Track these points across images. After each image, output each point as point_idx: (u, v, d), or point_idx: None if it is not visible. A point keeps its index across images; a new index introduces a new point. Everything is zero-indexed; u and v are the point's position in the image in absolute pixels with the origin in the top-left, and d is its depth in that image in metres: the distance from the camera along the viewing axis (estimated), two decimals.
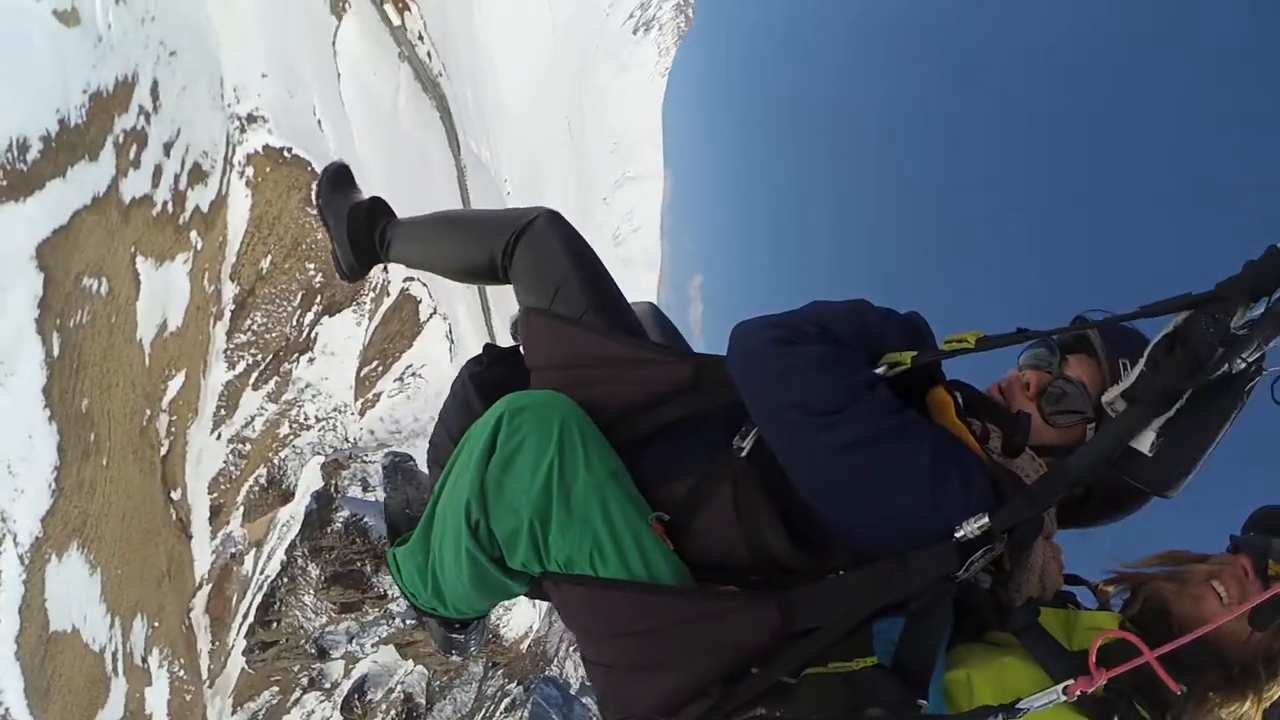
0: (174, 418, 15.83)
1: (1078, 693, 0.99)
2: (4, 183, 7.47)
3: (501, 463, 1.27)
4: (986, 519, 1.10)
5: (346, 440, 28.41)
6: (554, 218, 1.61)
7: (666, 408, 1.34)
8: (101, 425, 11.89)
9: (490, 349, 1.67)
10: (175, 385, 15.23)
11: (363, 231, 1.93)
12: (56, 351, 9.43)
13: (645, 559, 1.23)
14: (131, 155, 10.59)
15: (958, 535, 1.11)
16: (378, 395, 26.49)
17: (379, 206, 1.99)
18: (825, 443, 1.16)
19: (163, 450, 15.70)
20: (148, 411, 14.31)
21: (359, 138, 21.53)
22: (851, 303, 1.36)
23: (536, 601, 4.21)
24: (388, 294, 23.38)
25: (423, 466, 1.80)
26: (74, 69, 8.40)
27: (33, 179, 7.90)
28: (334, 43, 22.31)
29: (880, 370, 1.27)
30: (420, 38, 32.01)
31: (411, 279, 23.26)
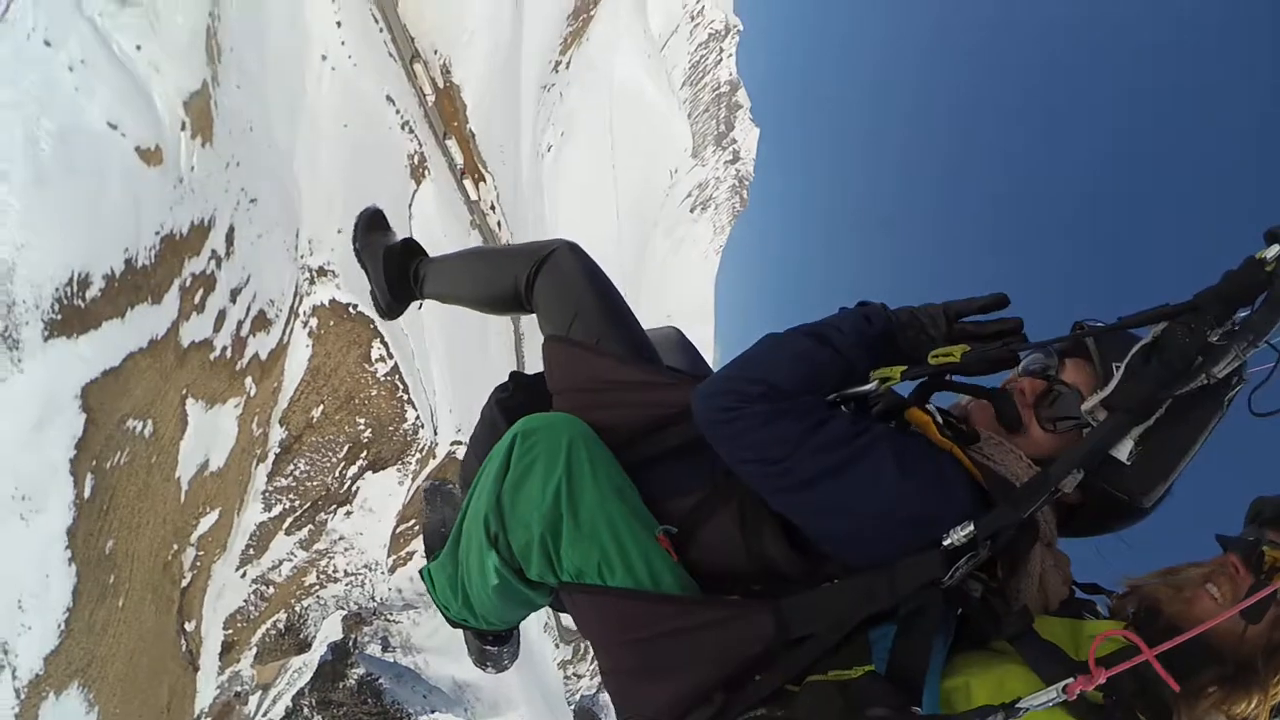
0: (201, 552, 15.59)
1: (1078, 691, 0.97)
2: (58, 317, 7.43)
3: (515, 480, 1.35)
4: (972, 527, 1.10)
5: (373, 598, 27.61)
6: (572, 248, 1.69)
7: (675, 429, 1.40)
8: (124, 567, 11.67)
9: (515, 375, 1.75)
10: (208, 522, 15.10)
11: (398, 271, 2.04)
12: (88, 493, 9.35)
13: (649, 569, 1.29)
14: (197, 299, 10.83)
15: (945, 543, 1.11)
16: (410, 554, 25.96)
17: (412, 247, 2.09)
18: (786, 486, 1.22)
19: (184, 582, 15.35)
20: (175, 546, 14.12)
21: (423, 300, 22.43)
22: (803, 342, 1.34)
23: None
24: (434, 456, 23.49)
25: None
26: (149, 209, 8.34)
27: (89, 317, 7.84)
28: (410, 205, 23.91)
29: (870, 386, 1.31)
30: (492, 207, 34.42)
31: (459, 443, 23.41)
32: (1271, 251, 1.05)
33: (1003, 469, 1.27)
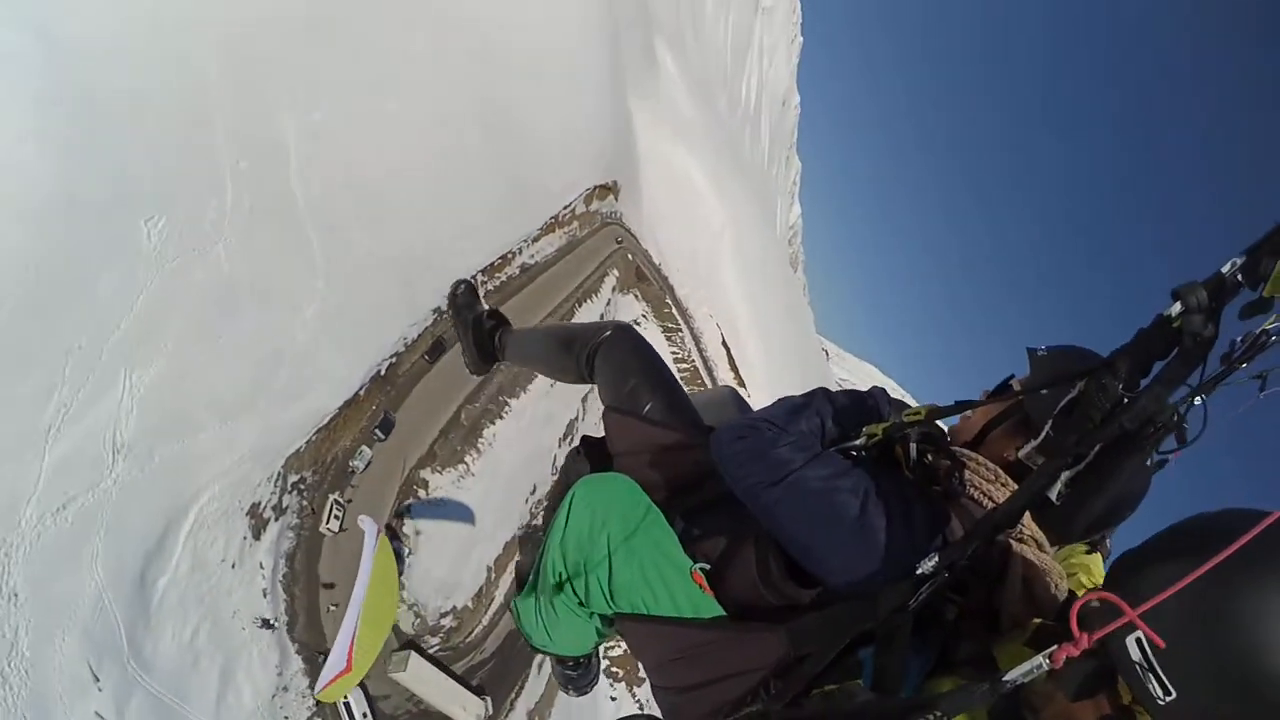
0: None
1: (1063, 658, 1.02)
2: None
3: (574, 532, 1.63)
4: (938, 558, 1.23)
5: None
6: (625, 329, 1.99)
7: (710, 483, 1.61)
8: None
9: (585, 439, 2.00)
10: None
11: (484, 337, 2.47)
12: None
13: (683, 600, 1.51)
14: None
15: (919, 571, 1.24)
16: None
17: (497, 316, 2.53)
18: (776, 507, 1.41)
19: None
20: None
21: None
22: (798, 400, 1.60)
23: None
24: None
25: None
26: None
27: None
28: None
29: (860, 441, 1.51)
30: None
31: None
32: (1175, 309, 1.13)
33: (977, 493, 1.44)
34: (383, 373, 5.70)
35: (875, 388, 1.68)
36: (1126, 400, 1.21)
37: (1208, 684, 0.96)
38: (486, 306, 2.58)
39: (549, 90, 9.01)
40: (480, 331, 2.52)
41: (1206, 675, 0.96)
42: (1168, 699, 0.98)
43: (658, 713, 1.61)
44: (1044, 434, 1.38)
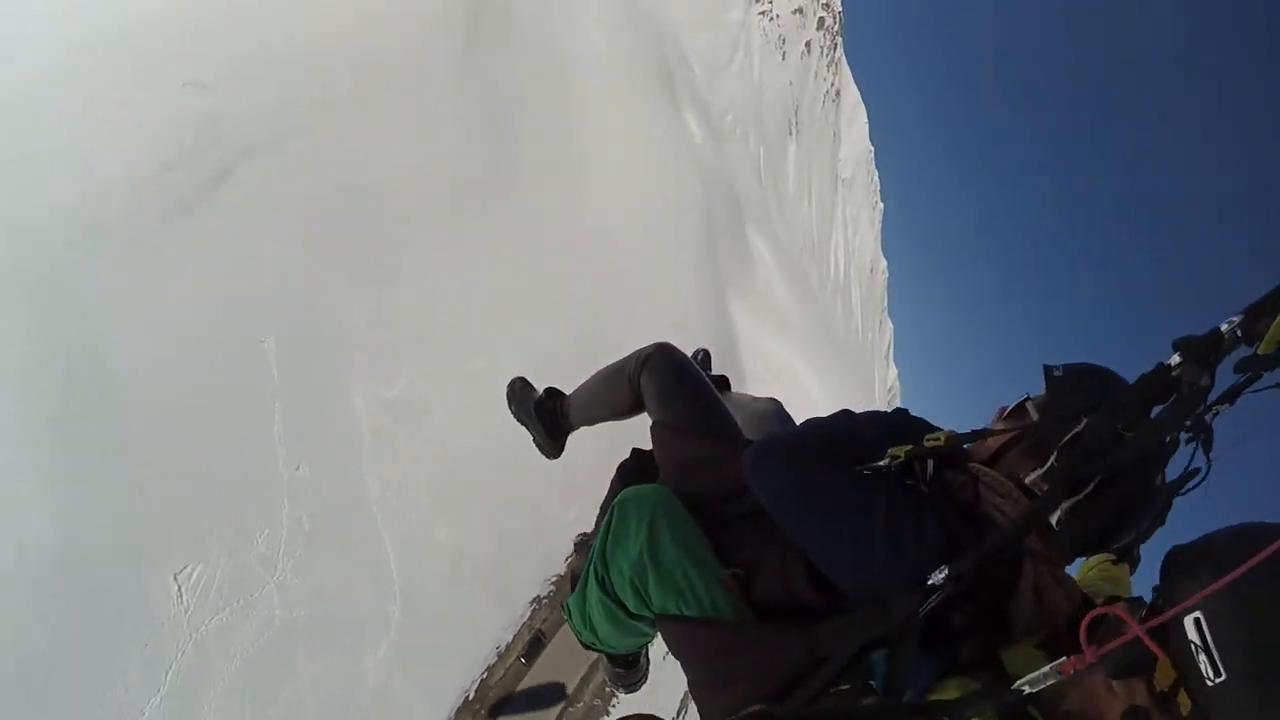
0: None
1: (1071, 670, 1.05)
2: None
3: (614, 539, 1.73)
4: (947, 570, 1.28)
5: None
6: (667, 348, 2.07)
7: (746, 495, 1.65)
8: None
9: (636, 451, 2.13)
10: None
11: (547, 415, 2.49)
12: None
13: (714, 603, 1.59)
14: None
15: (929, 582, 1.28)
16: None
17: (552, 392, 2.55)
18: (799, 518, 1.50)
19: None
20: None
21: None
22: (825, 420, 1.74)
23: None
24: None
25: None
26: None
27: None
28: None
29: (883, 462, 1.55)
30: None
31: None
32: (1175, 359, 1.20)
33: (990, 508, 1.47)
34: (471, 696, 4.64)
35: (898, 408, 1.79)
36: (1125, 439, 1.28)
37: (1262, 666, 0.96)
38: (540, 390, 2.64)
39: (649, 314, 8.45)
40: (543, 412, 2.58)
41: (1261, 656, 0.97)
42: (1218, 680, 0.97)
43: (660, 712, 1.67)
44: (1049, 464, 1.44)
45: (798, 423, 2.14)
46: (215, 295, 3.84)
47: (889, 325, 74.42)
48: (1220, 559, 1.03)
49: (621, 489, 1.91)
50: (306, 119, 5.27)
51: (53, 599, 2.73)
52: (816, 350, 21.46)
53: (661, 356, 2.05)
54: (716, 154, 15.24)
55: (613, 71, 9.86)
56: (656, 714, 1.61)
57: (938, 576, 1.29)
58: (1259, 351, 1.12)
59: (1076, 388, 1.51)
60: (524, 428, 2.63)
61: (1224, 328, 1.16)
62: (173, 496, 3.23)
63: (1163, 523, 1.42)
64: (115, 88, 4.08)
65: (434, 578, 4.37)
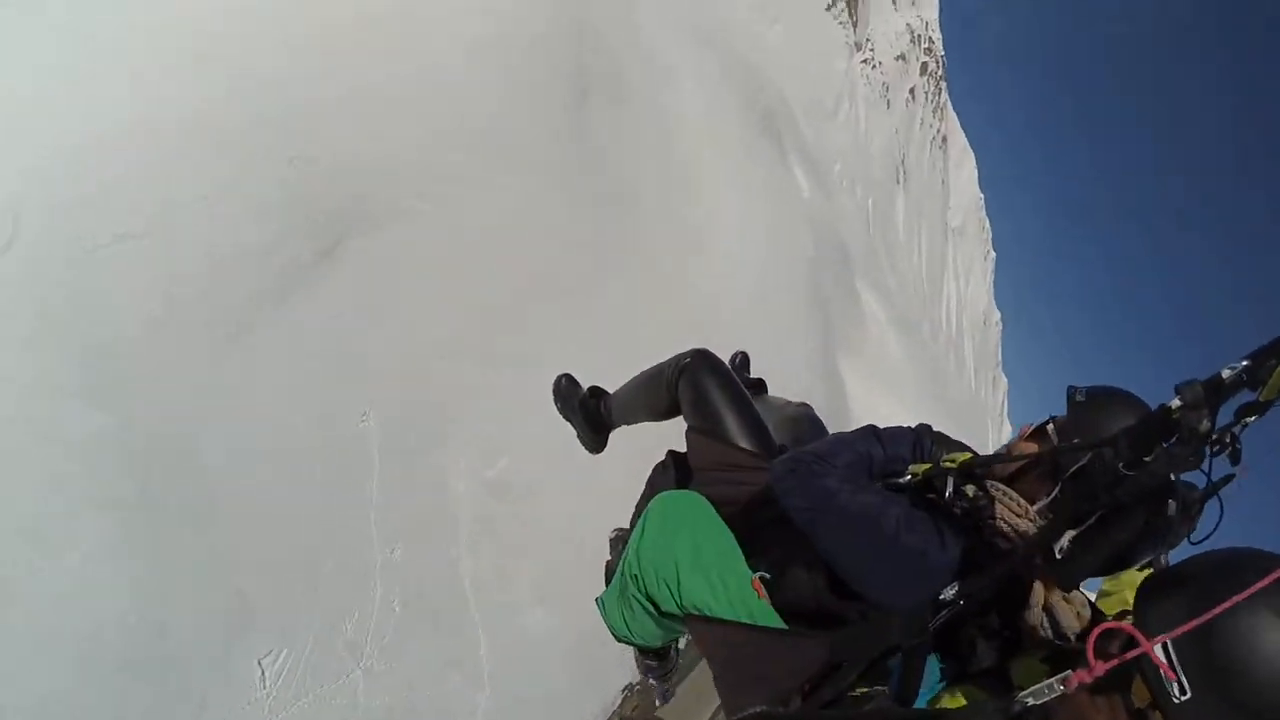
0: None
1: (1076, 683, 1.07)
2: None
3: (649, 540, 1.81)
4: (958, 586, 1.36)
5: None
6: (704, 354, 2.14)
7: (775, 502, 1.69)
8: None
9: (671, 453, 2.23)
10: None
11: (592, 412, 2.67)
12: None
13: (742, 605, 1.66)
14: None
15: (941, 597, 1.36)
16: None
17: (596, 392, 2.71)
18: (823, 530, 1.58)
19: None
20: None
21: None
22: (848, 436, 1.76)
23: None
24: None
25: None
26: None
27: None
28: None
29: (904, 480, 1.66)
30: None
31: None
32: (1175, 403, 1.22)
33: (1006, 526, 1.50)
34: None
35: (921, 425, 1.81)
36: (1123, 477, 1.30)
37: (1220, 690, 1.02)
38: (584, 389, 2.68)
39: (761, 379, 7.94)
40: (587, 409, 2.64)
41: (1218, 680, 1.03)
42: (1184, 698, 1.04)
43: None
44: (1053, 494, 1.48)
45: (829, 429, 2.32)
46: (314, 370, 3.74)
47: (1003, 381, 71.02)
48: (1193, 591, 1.07)
49: (657, 489, 2.06)
50: (412, 193, 5.17)
51: (132, 681, 2.60)
52: (928, 409, 20.51)
53: (699, 363, 2.11)
54: (825, 207, 14.80)
55: (721, 130, 9.65)
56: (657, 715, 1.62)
57: (949, 592, 1.35)
58: (1260, 398, 1.16)
59: (1096, 414, 1.53)
60: (569, 424, 2.79)
61: (1225, 373, 1.18)
62: (260, 577, 3.09)
63: (1194, 529, 1.38)
64: (220, 164, 4.06)
65: (524, 664, 4.05)
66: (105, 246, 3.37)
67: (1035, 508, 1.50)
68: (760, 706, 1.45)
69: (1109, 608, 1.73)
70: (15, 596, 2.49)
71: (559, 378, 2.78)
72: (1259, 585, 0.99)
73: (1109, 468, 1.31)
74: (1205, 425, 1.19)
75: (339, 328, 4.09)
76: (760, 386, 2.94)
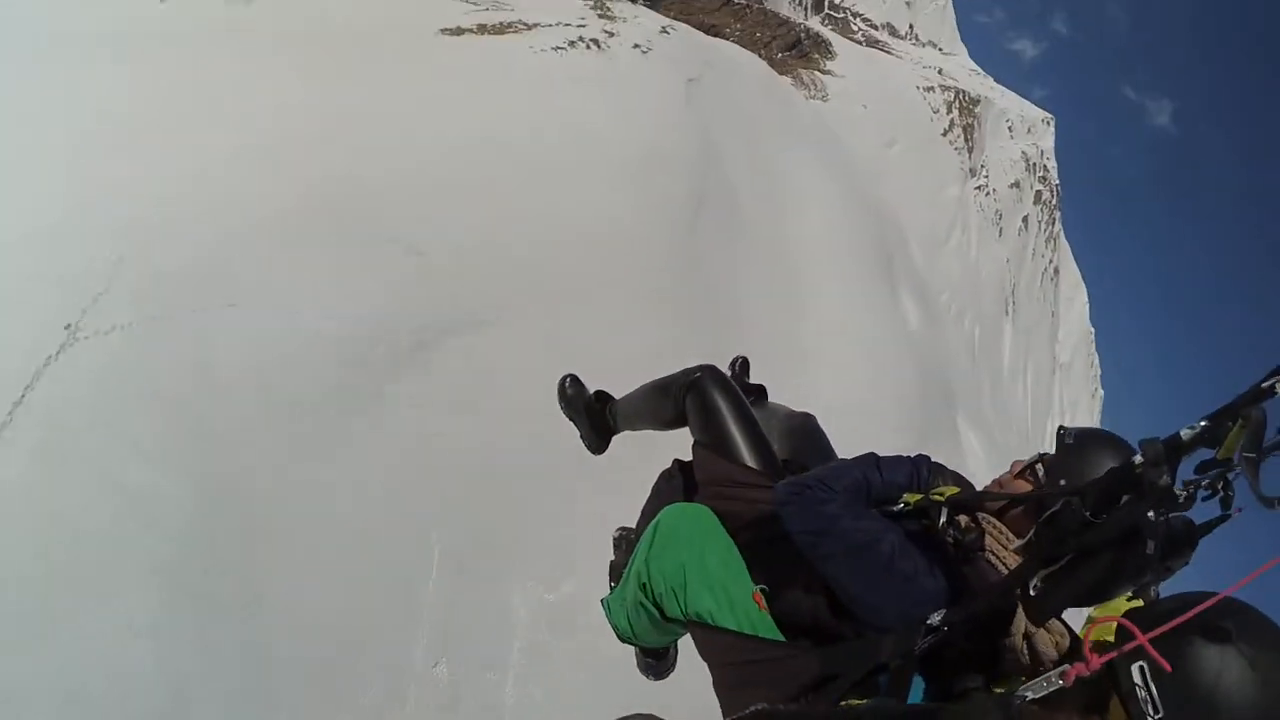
0: None
1: (1074, 677, 1.17)
2: None
3: (655, 552, 1.90)
4: (943, 613, 1.46)
5: None
6: (713, 371, 2.21)
7: (778, 521, 1.79)
8: None
9: (678, 462, 2.29)
10: None
11: (597, 415, 2.74)
12: None
13: (743, 617, 1.74)
14: None
15: (929, 622, 1.45)
16: None
17: (602, 396, 2.79)
18: (822, 554, 1.68)
19: None
20: None
21: None
22: (848, 463, 1.88)
23: None
24: None
25: None
26: None
27: None
28: None
29: (898, 508, 1.77)
30: None
31: None
32: (1137, 459, 1.32)
33: (994, 558, 1.62)
34: None
35: (920, 455, 1.93)
36: (1090, 524, 1.39)
37: (1183, 702, 1.11)
38: (591, 391, 2.72)
39: None
40: (593, 412, 2.69)
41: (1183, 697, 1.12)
42: (1157, 716, 1.12)
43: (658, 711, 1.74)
44: (1028, 537, 1.56)
45: (827, 433, 2.49)
46: (392, 464, 3.64)
47: None
48: (1160, 621, 1.17)
49: (665, 498, 2.18)
50: (518, 295, 5.11)
51: None
52: None
53: (708, 379, 2.19)
54: (931, 337, 14.30)
55: (833, 256, 9.49)
56: (653, 714, 1.68)
57: (935, 618, 1.46)
58: (1218, 456, 1.26)
59: (1081, 457, 1.63)
60: (573, 424, 2.85)
61: (1184, 433, 1.27)
62: (294, 672, 2.91)
63: (1188, 562, 1.45)
64: (341, 246, 4.10)
65: None
66: (212, 312, 3.38)
67: (1012, 547, 1.62)
68: (759, 705, 1.53)
69: (1096, 635, 1.81)
70: (49, 637, 2.41)
71: (564, 378, 2.87)
72: (1203, 606, 1.13)
73: (1077, 515, 1.41)
74: (1165, 480, 1.28)
75: (424, 422, 3.98)
76: (761, 393, 3.00)
